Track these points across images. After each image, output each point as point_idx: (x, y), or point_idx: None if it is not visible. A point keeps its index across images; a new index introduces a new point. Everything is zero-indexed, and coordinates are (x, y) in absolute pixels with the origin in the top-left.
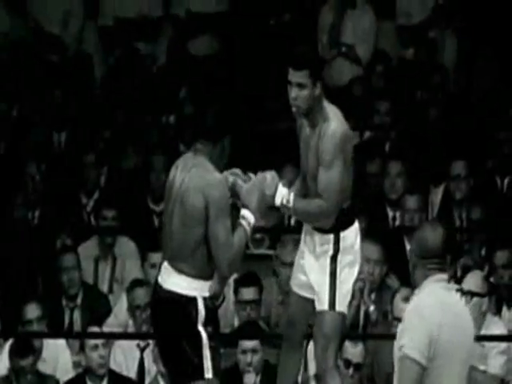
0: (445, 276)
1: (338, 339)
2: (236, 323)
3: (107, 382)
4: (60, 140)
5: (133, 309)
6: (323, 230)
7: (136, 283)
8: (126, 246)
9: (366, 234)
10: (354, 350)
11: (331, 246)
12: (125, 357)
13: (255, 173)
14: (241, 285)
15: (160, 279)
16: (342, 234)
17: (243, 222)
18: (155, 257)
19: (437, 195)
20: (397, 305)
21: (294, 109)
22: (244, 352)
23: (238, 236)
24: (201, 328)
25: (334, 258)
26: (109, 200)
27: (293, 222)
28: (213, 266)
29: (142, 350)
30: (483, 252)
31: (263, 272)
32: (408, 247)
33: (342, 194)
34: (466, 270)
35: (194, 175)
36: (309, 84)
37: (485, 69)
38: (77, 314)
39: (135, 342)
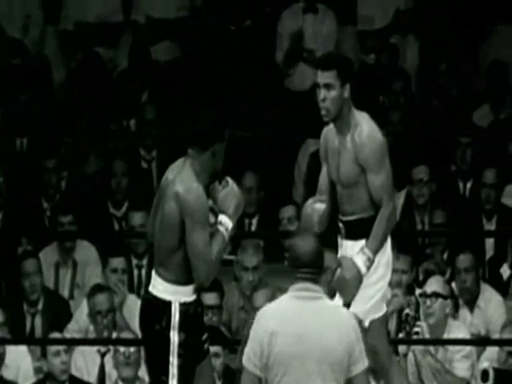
0: (308, 285)
1: None
2: None
3: None
4: (22, 144)
5: (93, 314)
6: (354, 237)
7: (97, 289)
8: (87, 251)
9: (324, 242)
10: None
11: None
12: (85, 362)
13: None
14: (202, 290)
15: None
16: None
17: (221, 228)
18: (116, 262)
19: (399, 200)
20: None
21: (323, 112)
22: None
23: (217, 244)
24: (172, 333)
25: None
26: (65, 205)
27: (253, 227)
28: (191, 272)
29: (103, 356)
30: (445, 256)
31: (224, 277)
32: None
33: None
34: (428, 274)
35: (176, 182)
36: (337, 85)
37: (447, 74)
38: (38, 320)
39: (96, 347)
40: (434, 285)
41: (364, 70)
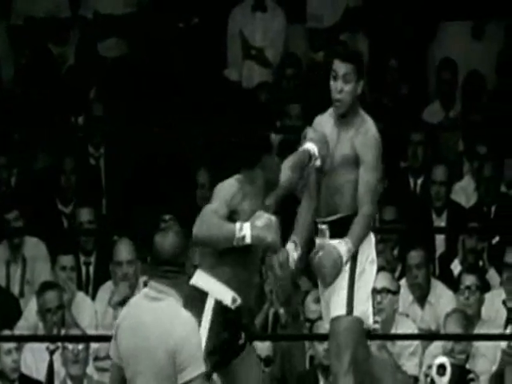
0: (157, 284)
1: (353, 346)
2: None
3: None
4: None
5: (43, 312)
6: (340, 236)
7: (46, 286)
8: (36, 248)
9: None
10: (261, 345)
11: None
12: (35, 360)
13: None
14: None
15: None
16: None
17: (237, 225)
18: (65, 259)
19: None
20: (308, 306)
21: (337, 104)
22: None
23: (220, 224)
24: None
25: (353, 258)
26: (11, 201)
27: None
28: (239, 277)
29: (52, 353)
30: (396, 252)
31: None
32: None
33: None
34: (379, 271)
35: None
36: (354, 79)
37: (396, 71)
38: None
39: (45, 344)
40: (383, 280)
41: (313, 67)
